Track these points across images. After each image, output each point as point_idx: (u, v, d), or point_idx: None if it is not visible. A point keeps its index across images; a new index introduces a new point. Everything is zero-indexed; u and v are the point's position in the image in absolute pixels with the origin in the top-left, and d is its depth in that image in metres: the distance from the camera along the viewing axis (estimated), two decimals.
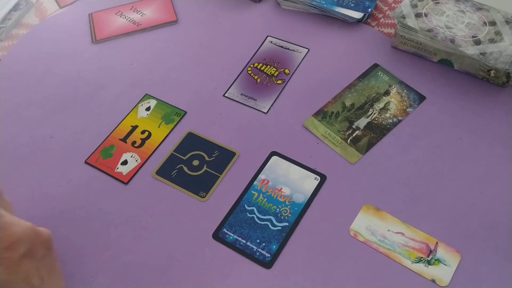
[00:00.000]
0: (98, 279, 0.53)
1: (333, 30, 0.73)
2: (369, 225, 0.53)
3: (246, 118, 0.65)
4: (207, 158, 0.61)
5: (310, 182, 0.58)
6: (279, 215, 0.56)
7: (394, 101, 0.64)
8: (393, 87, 0.65)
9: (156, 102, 0.68)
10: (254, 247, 0.54)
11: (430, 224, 0.53)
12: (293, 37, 0.73)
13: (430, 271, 0.50)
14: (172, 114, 0.66)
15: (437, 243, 0.52)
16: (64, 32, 0.78)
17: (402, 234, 0.53)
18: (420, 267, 0.50)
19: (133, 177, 0.61)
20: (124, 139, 0.64)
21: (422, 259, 0.51)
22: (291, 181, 0.58)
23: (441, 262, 0.50)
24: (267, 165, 0.60)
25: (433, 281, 0.49)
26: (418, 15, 0.65)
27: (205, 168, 0.61)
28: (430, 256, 0.51)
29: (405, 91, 0.65)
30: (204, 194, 0.58)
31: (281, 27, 0.74)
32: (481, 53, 0.60)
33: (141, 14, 0.79)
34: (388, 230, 0.53)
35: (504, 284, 0.49)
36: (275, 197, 0.57)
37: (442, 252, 0.51)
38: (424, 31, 0.64)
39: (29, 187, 0.61)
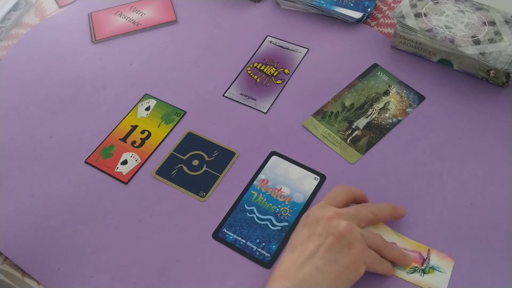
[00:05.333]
0: (98, 279, 0.53)
1: (333, 30, 0.73)
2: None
3: (245, 118, 0.65)
4: (207, 158, 0.61)
5: (309, 182, 0.58)
6: (278, 215, 0.56)
7: (393, 101, 0.64)
8: (392, 87, 0.65)
9: (155, 102, 0.68)
10: (254, 247, 0.54)
11: (429, 224, 0.53)
12: (293, 37, 0.73)
13: (426, 280, 0.49)
14: (171, 114, 0.66)
15: (428, 250, 0.51)
16: (64, 32, 0.78)
17: (394, 244, 0.52)
18: (415, 277, 0.50)
19: (133, 177, 0.61)
20: (124, 139, 0.64)
21: (416, 268, 0.50)
22: (291, 181, 0.58)
23: (435, 270, 0.50)
24: (266, 165, 0.60)
25: None
26: (417, 15, 0.65)
27: (205, 168, 0.61)
28: (424, 265, 0.50)
29: (404, 91, 0.65)
30: (204, 194, 0.58)
31: (280, 27, 0.75)
32: (480, 53, 0.60)
33: (141, 13, 0.79)
34: None
35: (505, 284, 0.49)
36: (274, 197, 0.57)
37: (435, 259, 0.51)
38: (423, 31, 0.64)
39: (29, 187, 0.61)
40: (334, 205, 0.50)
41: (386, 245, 0.49)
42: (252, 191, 0.58)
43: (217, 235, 0.55)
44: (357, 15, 0.72)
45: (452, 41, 0.62)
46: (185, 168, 0.61)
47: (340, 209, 0.49)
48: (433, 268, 0.50)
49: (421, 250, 0.51)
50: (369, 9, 0.73)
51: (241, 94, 0.67)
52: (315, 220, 0.48)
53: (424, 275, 0.50)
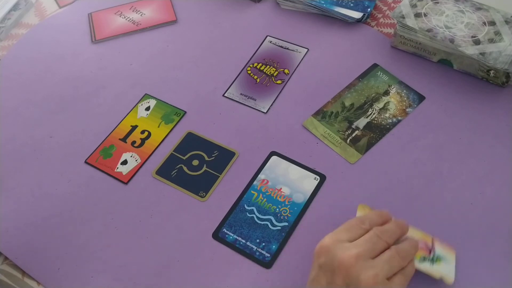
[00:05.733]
0: (98, 279, 0.53)
1: (333, 30, 0.73)
2: None
3: (245, 118, 0.65)
4: (206, 158, 0.61)
5: (309, 182, 0.58)
6: (278, 215, 0.56)
7: (393, 101, 0.64)
8: (392, 87, 0.65)
9: (155, 102, 0.68)
10: (254, 247, 0.54)
11: (429, 224, 0.53)
12: (293, 37, 0.73)
13: (436, 269, 0.49)
14: (171, 114, 0.66)
15: (432, 239, 0.51)
16: (64, 32, 0.78)
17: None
18: (426, 266, 0.49)
19: (133, 177, 0.61)
20: (124, 139, 0.64)
21: (426, 258, 0.50)
22: (291, 181, 0.58)
23: (441, 260, 0.50)
24: (266, 165, 0.60)
25: (441, 278, 0.49)
26: (417, 15, 0.65)
27: (204, 168, 0.61)
28: (431, 254, 0.51)
29: (404, 91, 0.65)
30: (204, 194, 0.58)
31: (280, 27, 0.75)
32: (480, 53, 0.60)
33: (141, 14, 0.79)
34: None
35: (505, 284, 0.49)
36: (274, 197, 0.57)
37: (439, 248, 0.51)
38: (423, 31, 0.64)
39: (29, 187, 0.61)
40: (354, 239, 0.47)
41: (404, 259, 0.47)
42: (252, 191, 0.58)
43: (217, 235, 0.55)
44: (357, 15, 0.72)
45: (452, 41, 0.62)
46: (185, 168, 0.61)
47: (358, 249, 0.45)
48: (439, 258, 0.50)
49: (426, 239, 0.51)
50: (369, 9, 0.73)
51: (241, 94, 0.67)
52: (332, 265, 0.45)
53: (434, 264, 0.49)
